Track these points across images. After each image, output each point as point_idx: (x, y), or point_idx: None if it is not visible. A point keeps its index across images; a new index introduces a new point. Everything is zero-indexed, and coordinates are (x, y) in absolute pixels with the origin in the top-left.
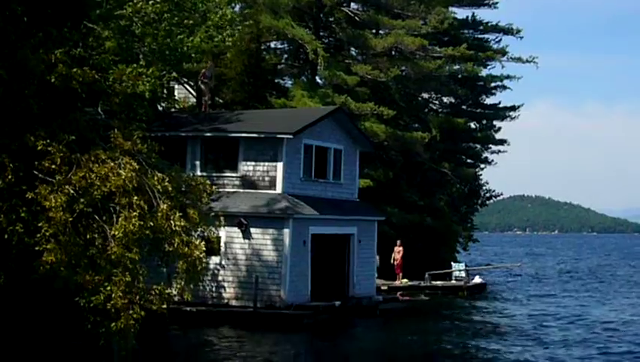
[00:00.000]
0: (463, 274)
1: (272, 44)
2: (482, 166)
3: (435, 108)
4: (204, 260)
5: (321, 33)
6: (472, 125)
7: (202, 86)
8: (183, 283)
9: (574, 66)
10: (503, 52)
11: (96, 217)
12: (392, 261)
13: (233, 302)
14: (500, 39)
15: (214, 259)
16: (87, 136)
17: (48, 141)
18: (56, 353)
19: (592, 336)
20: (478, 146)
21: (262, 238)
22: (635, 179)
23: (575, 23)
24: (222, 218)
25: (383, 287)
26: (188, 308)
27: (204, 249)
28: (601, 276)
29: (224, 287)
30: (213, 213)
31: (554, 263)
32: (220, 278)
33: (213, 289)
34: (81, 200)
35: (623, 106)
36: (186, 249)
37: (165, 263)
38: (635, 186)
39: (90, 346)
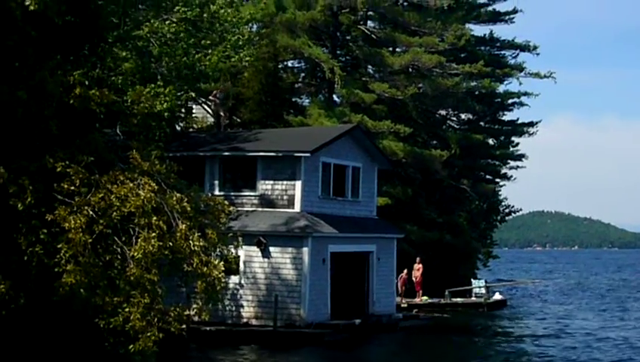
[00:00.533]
0: (483, 290)
1: (289, 63)
2: (501, 182)
3: (452, 125)
4: (223, 280)
5: (338, 51)
6: (490, 141)
7: (213, 106)
8: (201, 303)
9: (591, 81)
10: (520, 68)
11: (116, 238)
12: (412, 278)
13: (253, 322)
14: (517, 55)
15: (234, 279)
16: (105, 158)
17: (67, 162)
18: None
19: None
20: (497, 162)
21: (281, 257)
22: None
23: (591, 38)
24: (240, 237)
25: (402, 305)
26: (207, 328)
27: (222, 269)
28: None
29: (244, 306)
30: (231, 233)
31: (572, 279)
32: (239, 297)
33: (233, 308)
34: (101, 221)
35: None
36: (205, 269)
37: (184, 283)
38: None
39: None
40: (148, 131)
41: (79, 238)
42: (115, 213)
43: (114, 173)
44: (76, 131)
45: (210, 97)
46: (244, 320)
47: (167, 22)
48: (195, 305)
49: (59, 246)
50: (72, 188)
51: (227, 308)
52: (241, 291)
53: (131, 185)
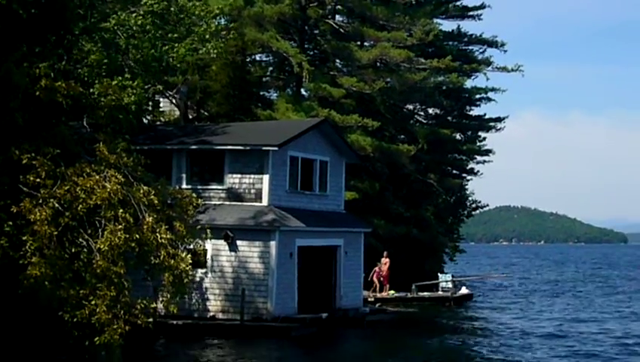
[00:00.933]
0: (450, 284)
1: (257, 57)
2: (468, 177)
3: (420, 119)
4: (191, 273)
5: (306, 45)
6: (458, 136)
7: (177, 100)
8: (169, 295)
9: (559, 77)
10: (488, 62)
11: (82, 231)
12: (375, 272)
13: (220, 315)
14: (485, 50)
15: (201, 272)
16: (72, 150)
17: (33, 155)
18: None
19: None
20: (464, 157)
21: (248, 251)
22: (620, 190)
23: (560, 34)
24: (208, 230)
25: (369, 299)
26: (174, 322)
27: (190, 261)
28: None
29: (210, 300)
30: (199, 226)
31: (536, 274)
32: (206, 291)
33: (200, 302)
34: (66, 213)
35: (606, 117)
36: (172, 261)
37: (151, 276)
38: (620, 197)
39: (76, 360)
40: (115, 124)
41: (45, 230)
42: (81, 206)
43: (80, 166)
44: (42, 123)
45: (174, 91)
46: (211, 313)
47: (134, 14)
48: (162, 298)
49: (24, 238)
50: (38, 180)
51: (194, 302)
52: (208, 285)
53: (97, 177)
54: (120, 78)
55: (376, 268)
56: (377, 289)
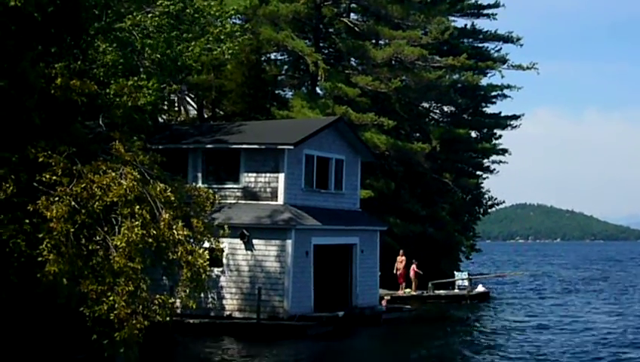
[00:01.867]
0: (466, 282)
1: (272, 56)
2: (484, 175)
3: (435, 117)
4: (208, 269)
5: (321, 44)
6: (473, 134)
7: (179, 100)
8: (188, 291)
9: (574, 74)
10: (503, 60)
11: (98, 228)
12: (394, 271)
13: (236, 314)
14: (500, 48)
15: (217, 271)
16: (88, 148)
17: (49, 153)
18: None
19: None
20: (480, 155)
21: (264, 249)
22: (637, 187)
23: (574, 31)
24: (226, 227)
25: (386, 297)
26: (191, 320)
27: (207, 257)
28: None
29: (227, 299)
30: (215, 224)
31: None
32: (222, 290)
33: (216, 300)
34: (83, 211)
35: (622, 114)
36: (190, 257)
37: (169, 272)
38: (637, 194)
39: (94, 358)
40: (131, 123)
41: (61, 228)
42: (97, 203)
43: (96, 163)
44: (58, 122)
45: (178, 92)
46: (227, 312)
47: (149, 15)
48: (181, 293)
49: (41, 236)
50: (54, 178)
51: (210, 301)
52: (224, 283)
53: (113, 174)
54: (135, 78)
55: (413, 266)
56: (413, 286)
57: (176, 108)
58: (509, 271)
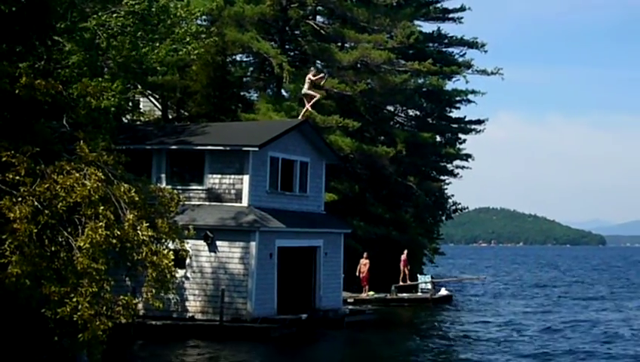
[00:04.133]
0: (429, 286)
1: (238, 57)
2: (447, 179)
3: (400, 121)
4: (173, 269)
5: (287, 46)
6: (438, 138)
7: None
8: (153, 291)
9: (538, 80)
10: (468, 65)
11: (62, 229)
12: (357, 273)
13: (199, 316)
14: (465, 53)
15: (180, 273)
16: (52, 148)
17: (13, 152)
18: None
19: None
20: (444, 160)
21: (228, 251)
22: (599, 192)
23: (539, 37)
24: (191, 227)
25: (349, 300)
26: (153, 322)
27: (172, 258)
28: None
29: (190, 301)
30: (180, 226)
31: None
32: (185, 291)
33: (179, 302)
34: (46, 211)
35: (585, 119)
36: (155, 258)
37: (132, 273)
38: (598, 199)
39: (56, 360)
40: (94, 124)
41: (24, 228)
42: (60, 203)
43: (60, 164)
44: (22, 122)
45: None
46: (190, 314)
47: (114, 15)
48: (146, 294)
49: (4, 236)
50: (17, 178)
51: (173, 303)
52: (187, 285)
53: (77, 175)
54: (100, 79)
55: (403, 256)
56: (407, 278)
57: (141, 110)
58: (471, 274)
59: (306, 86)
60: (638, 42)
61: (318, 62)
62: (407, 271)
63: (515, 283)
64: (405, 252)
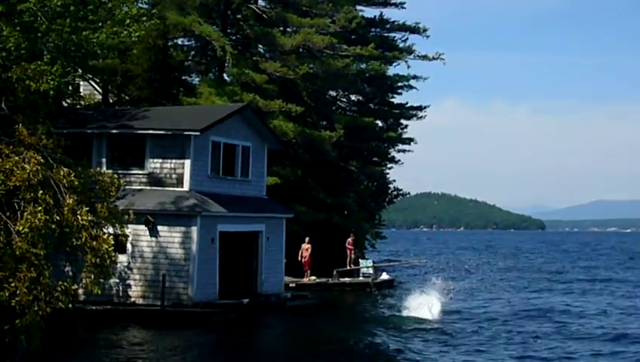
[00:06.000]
0: (371, 270)
1: (180, 41)
2: (389, 165)
3: (342, 106)
4: (113, 254)
5: (229, 30)
6: (380, 123)
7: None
8: (92, 276)
9: (480, 66)
10: (410, 50)
11: (0, 213)
12: (299, 258)
13: (140, 301)
14: (407, 38)
15: (121, 258)
16: None
17: None
18: None
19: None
20: (385, 145)
21: (169, 236)
22: (539, 178)
23: (480, 22)
24: (131, 212)
25: (291, 285)
26: (93, 307)
27: (112, 243)
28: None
29: (130, 286)
30: (120, 211)
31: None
32: (126, 277)
33: (120, 287)
34: None
35: (526, 104)
36: (95, 243)
37: (72, 258)
38: (538, 184)
39: None
40: (33, 107)
41: None
42: None
43: None
44: None
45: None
46: (131, 299)
47: None
48: (85, 280)
49: None
50: None
51: (114, 287)
52: (128, 270)
53: (17, 158)
54: (39, 62)
55: (350, 239)
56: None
57: (81, 93)
58: (411, 258)
59: None
60: (579, 28)
61: (261, 46)
62: (353, 255)
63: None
64: (352, 235)
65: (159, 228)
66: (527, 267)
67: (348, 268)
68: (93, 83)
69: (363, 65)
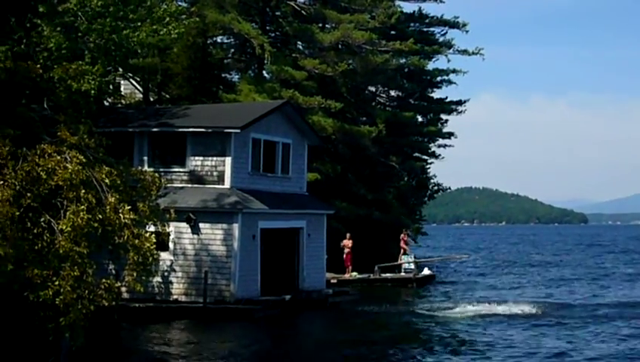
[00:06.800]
0: (412, 266)
1: (219, 39)
2: (430, 159)
3: (382, 101)
4: (155, 252)
5: (268, 27)
6: (420, 118)
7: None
8: (135, 274)
9: (520, 60)
10: (449, 45)
11: (44, 212)
12: (344, 254)
13: (182, 298)
14: (446, 32)
15: (163, 255)
16: (33, 131)
17: None
18: (4, 351)
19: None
20: (426, 140)
21: (211, 233)
22: (580, 171)
23: (519, 17)
24: (172, 211)
25: (332, 281)
26: (137, 305)
27: (154, 240)
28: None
29: (173, 283)
30: (162, 209)
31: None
32: (168, 274)
33: (162, 285)
34: (28, 194)
35: (566, 99)
36: (137, 241)
37: (115, 257)
38: (580, 177)
39: (38, 343)
40: (75, 107)
41: (6, 211)
42: (42, 187)
43: (41, 147)
44: (3, 105)
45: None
46: (174, 296)
47: None
48: (128, 277)
49: None
50: (0, 161)
51: (156, 285)
52: (170, 267)
53: (59, 158)
54: (80, 62)
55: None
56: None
57: (122, 92)
58: (454, 254)
59: None
60: (620, 24)
61: (299, 42)
62: (407, 251)
63: (493, 262)
64: (404, 231)
65: (201, 225)
66: None
67: (399, 262)
68: (133, 82)
69: (402, 61)
